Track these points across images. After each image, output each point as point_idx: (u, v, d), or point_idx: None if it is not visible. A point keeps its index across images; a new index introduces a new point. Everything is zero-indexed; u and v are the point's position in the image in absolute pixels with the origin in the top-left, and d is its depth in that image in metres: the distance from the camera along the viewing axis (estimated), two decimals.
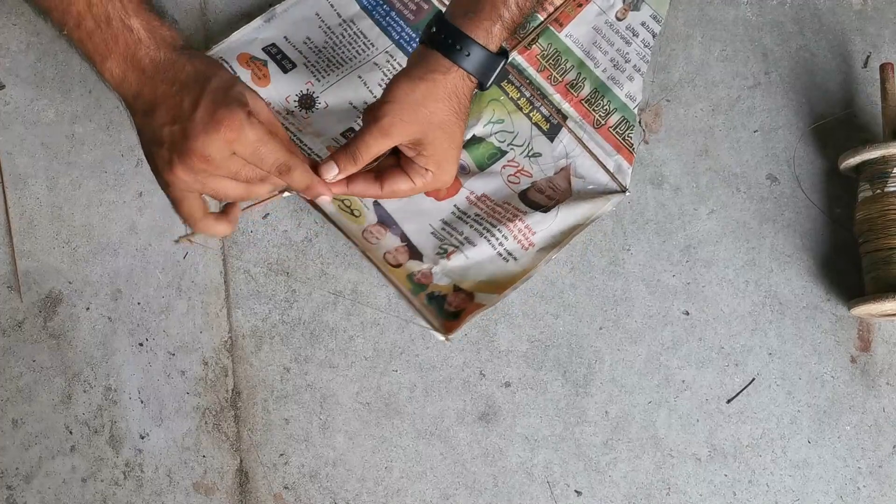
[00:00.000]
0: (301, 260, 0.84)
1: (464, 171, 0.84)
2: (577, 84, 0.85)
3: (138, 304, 0.84)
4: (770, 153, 0.87)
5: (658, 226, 0.86)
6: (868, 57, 0.89)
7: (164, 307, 0.84)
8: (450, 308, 0.78)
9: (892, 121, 0.82)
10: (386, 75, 0.85)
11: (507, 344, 0.83)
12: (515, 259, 0.80)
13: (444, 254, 0.80)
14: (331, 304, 0.83)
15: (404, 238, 0.81)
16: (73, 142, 0.86)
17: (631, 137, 0.84)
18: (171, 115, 0.60)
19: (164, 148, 0.60)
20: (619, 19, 0.86)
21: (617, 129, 0.84)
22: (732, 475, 0.81)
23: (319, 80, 0.84)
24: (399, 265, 0.80)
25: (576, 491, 0.81)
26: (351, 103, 0.84)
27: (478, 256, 0.80)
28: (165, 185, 0.63)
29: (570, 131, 0.84)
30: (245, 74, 0.84)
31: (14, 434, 0.81)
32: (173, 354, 0.83)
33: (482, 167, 0.84)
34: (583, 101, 0.85)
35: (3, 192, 0.85)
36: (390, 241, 0.81)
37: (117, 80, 0.61)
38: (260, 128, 0.60)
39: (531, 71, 0.86)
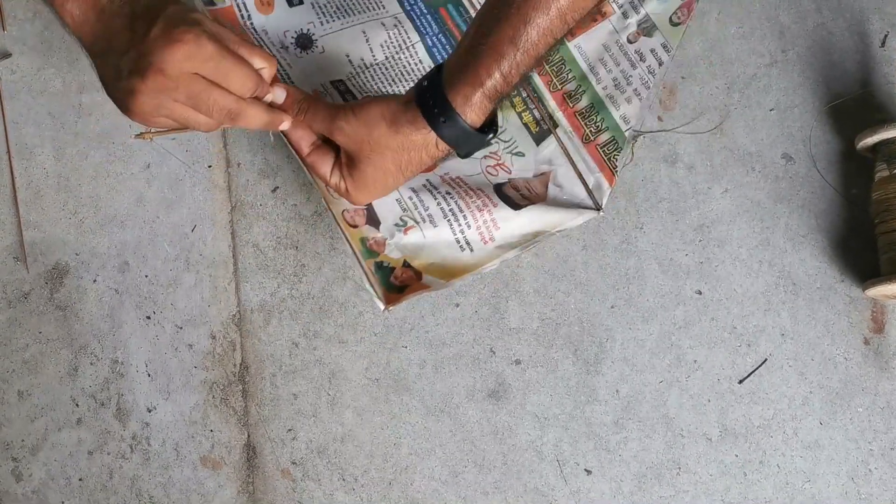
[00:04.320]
0: (310, 234, 0.84)
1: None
2: (574, 95, 0.84)
3: (146, 276, 0.83)
4: (786, 132, 0.86)
5: (671, 204, 0.85)
6: (886, 36, 0.88)
7: (172, 280, 0.83)
8: (395, 282, 0.76)
9: None
10: (391, 38, 0.83)
11: (517, 321, 0.83)
12: (472, 250, 0.78)
13: (402, 226, 0.78)
14: (340, 279, 0.83)
15: None
16: (80, 112, 0.85)
17: (616, 159, 0.82)
18: (126, 43, 0.58)
19: (123, 78, 0.59)
20: (630, 41, 0.85)
21: (604, 148, 0.82)
22: (743, 456, 0.81)
23: (322, 24, 0.83)
24: (355, 226, 0.78)
25: (585, 470, 0.81)
26: (347, 56, 0.82)
27: (435, 238, 0.78)
28: (135, 117, 0.61)
29: (558, 140, 0.83)
30: None
31: (20, 406, 0.81)
32: (181, 328, 0.82)
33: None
34: (577, 114, 0.84)
35: (10, 161, 0.84)
36: None
37: (77, 22, 0.60)
38: (219, 43, 0.59)
39: (532, 72, 0.85)
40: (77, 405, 0.81)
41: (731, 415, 0.81)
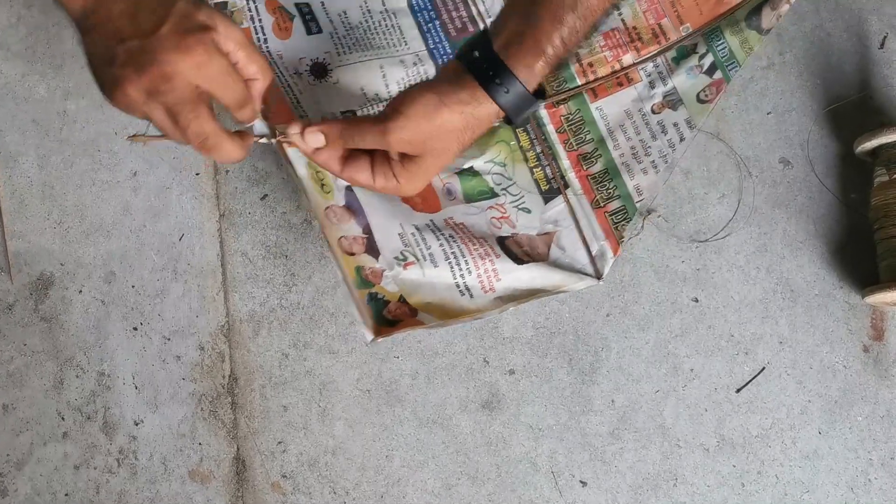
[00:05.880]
0: (300, 243, 0.82)
1: (450, 197, 0.81)
2: (590, 158, 0.82)
3: (132, 286, 0.81)
4: (783, 136, 0.84)
5: (667, 210, 0.83)
6: (885, 38, 0.86)
7: (160, 290, 0.81)
8: (388, 315, 0.74)
9: None
10: (409, 76, 0.81)
11: (511, 330, 0.81)
12: (471, 296, 0.76)
13: (402, 261, 0.76)
14: (330, 289, 0.81)
15: (367, 230, 0.77)
16: (65, 119, 0.83)
17: (624, 228, 0.80)
18: (128, 31, 0.55)
19: (115, 65, 0.55)
20: (653, 112, 0.83)
21: (613, 216, 0.80)
22: (741, 466, 0.80)
23: (339, 55, 0.81)
24: (352, 254, 0.76)
25: (581, 481, 0.80)
26: (362, 88, 0.81)
27: (434, 278, 0.76)
28: (114, 104, 0.58)
29: (567, 201, 0.81)
30: (268, 21, 0.81)
31: (5, 420, 0.79)
32: (168, 339, 0.81)
33: (469, 200, 0.81)
34: (589, 177, 0.82)
35: None
36: (351, 228, 0.77)
37: None
38: (224, 58, 0.56)
39: (550, 128, 0.83)
40: (63, 419, 0.80)
41: (729, 424, 0.80)
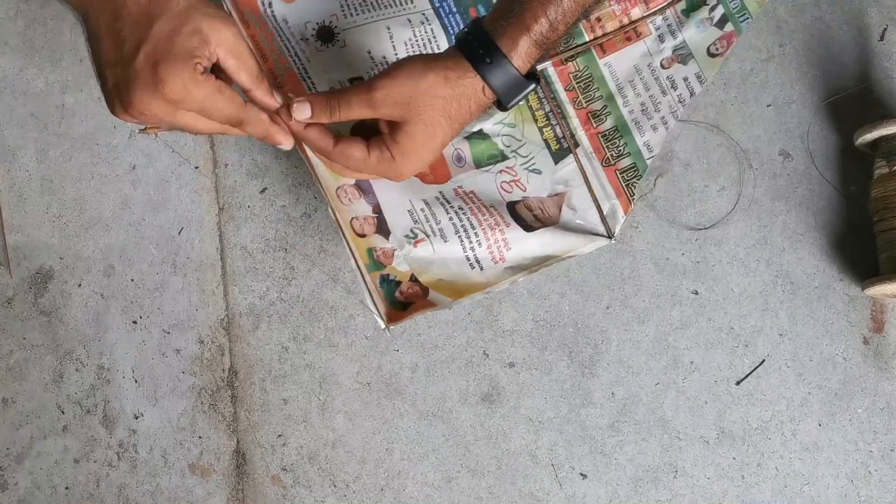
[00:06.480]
0: (300, 236, 0.82)
1: (459, 163, 0.81)
2: (599, 116, 0.82)
3: (132, 280, 0.81)
4: (783, 128, 0.84)
5: (667, 202, 0.83)
6: (885, 30, 0.86)
7: (159, 284, 0.81)
8: (400, 297, 0.74)
9: None
10: (416, 36, 0.81)
11: (511, 323, 0.81)
12: (482, 269, 0.76)
13: (412, 238, 0.76)
14: (330, 282, 0.81)
15: (377, 209, 0.77)
16: (64, 113, 0.83)
17: (634, 187, 0.80)
18: (112, 54, 0.55)
19: (107, 87, 0.56)
20: (663, 67, 0.82)
21: (624, 174, 0.80)
22: (741, 458, 0.80)
23: (346, 17, 0.80)
24: (363, 235, 0.76)
25: (581, 474, 0.80)
26: (369, 52, 0.80)
27: (445, 254, 0.76)
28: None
29: (577, 160, 0.80)
30: None
31: (4, 413, 0.79)
32: (168, 332, 0.81)
33: (479, 165, 0.80)
34: (599, 135, 0.81)
35: None
36: (361, 208, 0.77)
37: None
38: (207, 84, 0.55)
39: (558, 86, 0.82)
40: (63, 412, 0.80)
41: (729, 417, 0.80)
